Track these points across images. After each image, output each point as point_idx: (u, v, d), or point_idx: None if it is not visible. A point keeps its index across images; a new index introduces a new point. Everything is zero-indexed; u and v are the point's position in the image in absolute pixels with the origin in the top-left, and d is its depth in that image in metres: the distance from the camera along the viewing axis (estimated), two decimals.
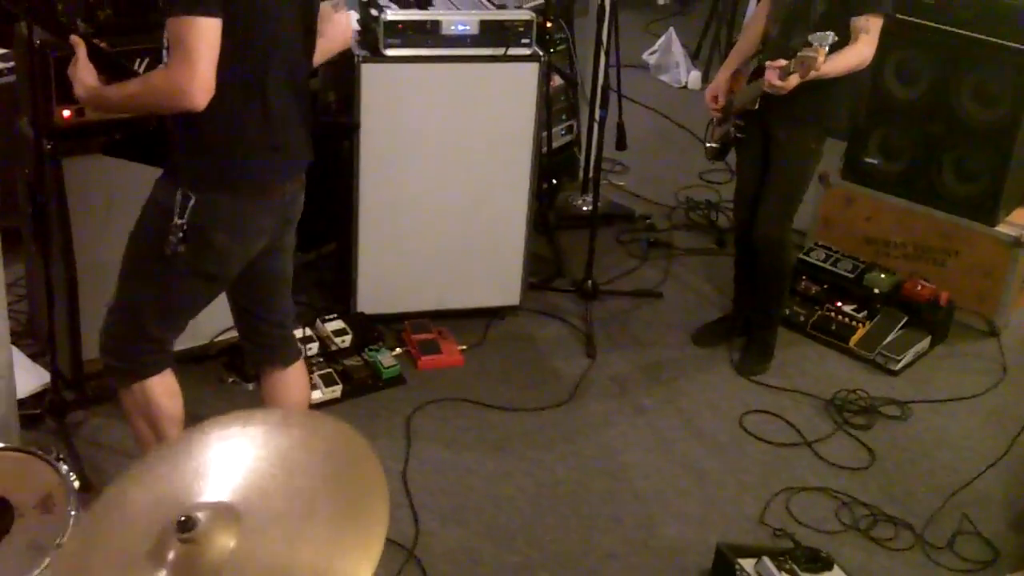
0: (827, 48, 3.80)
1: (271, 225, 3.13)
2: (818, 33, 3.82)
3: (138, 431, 3.29)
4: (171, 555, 1.76)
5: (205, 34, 2.78)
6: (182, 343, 4.05)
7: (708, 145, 4.58)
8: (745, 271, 4.68)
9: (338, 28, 3.30)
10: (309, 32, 3.12)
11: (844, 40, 4.00)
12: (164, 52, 2.96)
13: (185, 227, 2.95)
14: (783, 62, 3.93)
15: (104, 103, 3.09)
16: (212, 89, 2.81)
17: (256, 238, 3.11)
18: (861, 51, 4.03)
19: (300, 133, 3.14)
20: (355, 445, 1.91)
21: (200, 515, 1.77)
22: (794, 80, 3.91)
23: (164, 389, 3.23)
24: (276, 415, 2.46)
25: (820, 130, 4.29)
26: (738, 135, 4.39)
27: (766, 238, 4.41)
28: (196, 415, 3.93)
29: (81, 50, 3.04)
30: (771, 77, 3.96)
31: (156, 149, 3.09)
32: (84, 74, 3.03)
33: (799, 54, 3.86)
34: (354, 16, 4.42)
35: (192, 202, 2.94)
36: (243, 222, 3.05)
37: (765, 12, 4.38)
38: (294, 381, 3.45)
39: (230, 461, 1.91)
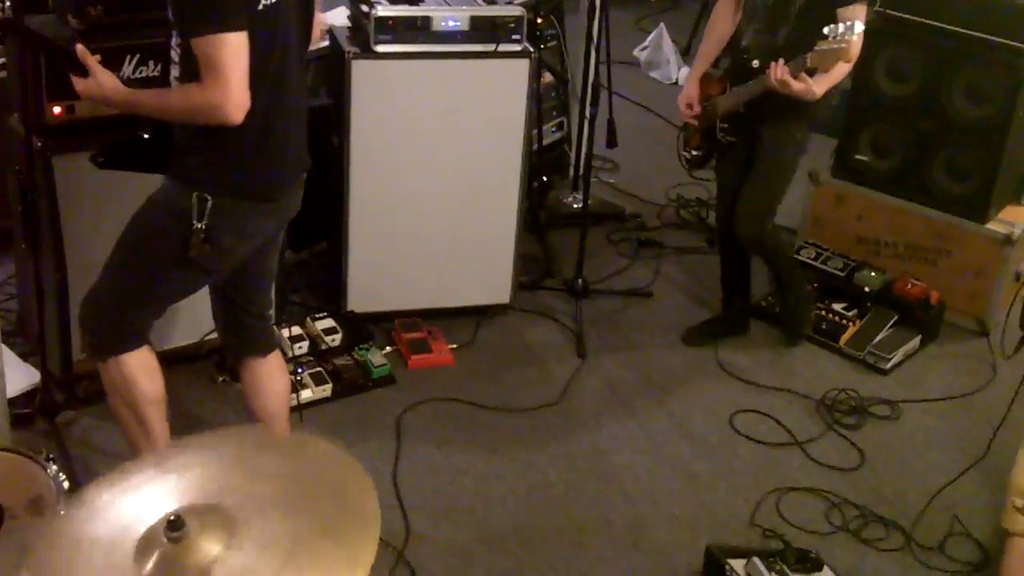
0: (855, 37, 3.75)
1: (272, 226, 3.23)
2: (831, 26, 3.78)
3: (121, 417, 3.32)
4: (155, 555, 1.76)
5: (236, 50, 2.82)
6: (173, 341, 4.09)
7: (692, 154, 4.51)
8: (731, 271, 4.68)
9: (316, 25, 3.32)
10: (305, 39, 3.18)
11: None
12: (173, 63, 2.99)
13: (206, 228, 2.99)
14: (781, 63, 3.91)
15: (131, 107, 3.08)
16: (247, 104, 2.86)
17: (257, 239, 3.20)
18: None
19: (302, 137, 3.22)
20: (351, 472, 1.92)
21: (190, 517, 1.77)
22: (805, 78, 3.89)
23: (140, 364, 3.25)
24: (274, 437, 2.48)
25: (804, 121, 4.26)
26: (729, 138, 4.34)
27: (748, 238, 4.42)
28: (187, 413, 3.98)
29: (90, 58, 3.05)
30: (781, 74, 3.90)
31: (154, 156, 3.10)
32: (105, 77, 3.05)
33: (818, 48, 3.81)
34: (343, 12, 4.43)
35: (209, 204, 2.99)
36: (249, 225, 3.12)
37: (728, 13, 4.35)
38: (274, 369, 3.50)
39: (223, 474, 1.91)
